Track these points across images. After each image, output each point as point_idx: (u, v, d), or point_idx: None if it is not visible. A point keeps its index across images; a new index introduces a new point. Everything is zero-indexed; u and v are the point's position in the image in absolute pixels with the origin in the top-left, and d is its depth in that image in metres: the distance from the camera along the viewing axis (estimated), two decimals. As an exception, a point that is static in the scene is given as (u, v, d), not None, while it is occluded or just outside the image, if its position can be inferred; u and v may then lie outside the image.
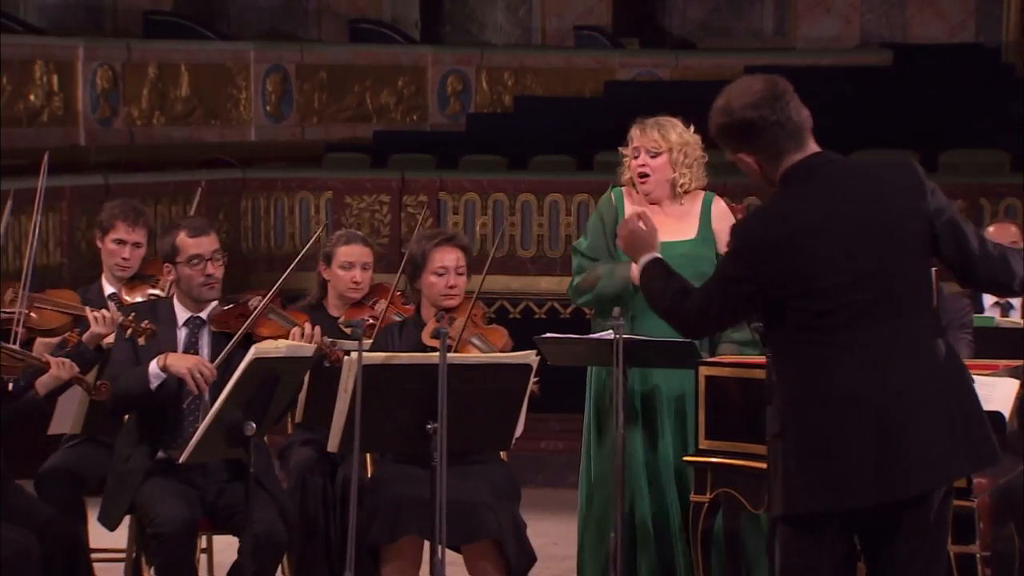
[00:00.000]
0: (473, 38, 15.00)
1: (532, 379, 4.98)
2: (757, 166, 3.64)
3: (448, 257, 5.19)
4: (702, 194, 5.36)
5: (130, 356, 5.04)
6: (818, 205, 3.59)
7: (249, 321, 5.06)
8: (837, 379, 3.55)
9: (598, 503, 5.26)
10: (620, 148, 5.36)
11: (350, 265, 5.63)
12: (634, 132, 5.31)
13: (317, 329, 5.18)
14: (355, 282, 5.63)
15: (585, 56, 14.16)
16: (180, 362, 4.94)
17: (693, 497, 5.00)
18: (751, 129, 3.59)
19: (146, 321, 4.97)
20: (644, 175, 5.27)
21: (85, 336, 5.03)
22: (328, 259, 5.66)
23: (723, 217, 5.32)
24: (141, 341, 4.98)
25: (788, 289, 3.58)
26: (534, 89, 13.75)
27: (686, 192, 5.31)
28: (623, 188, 5.37)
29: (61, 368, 4.70)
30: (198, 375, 4.91)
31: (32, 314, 5.01)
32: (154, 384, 4.97)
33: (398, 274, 5.60)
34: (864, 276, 3.56)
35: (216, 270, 5.12)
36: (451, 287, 5.18)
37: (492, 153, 11.84)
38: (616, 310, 5.01)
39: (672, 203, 5.31)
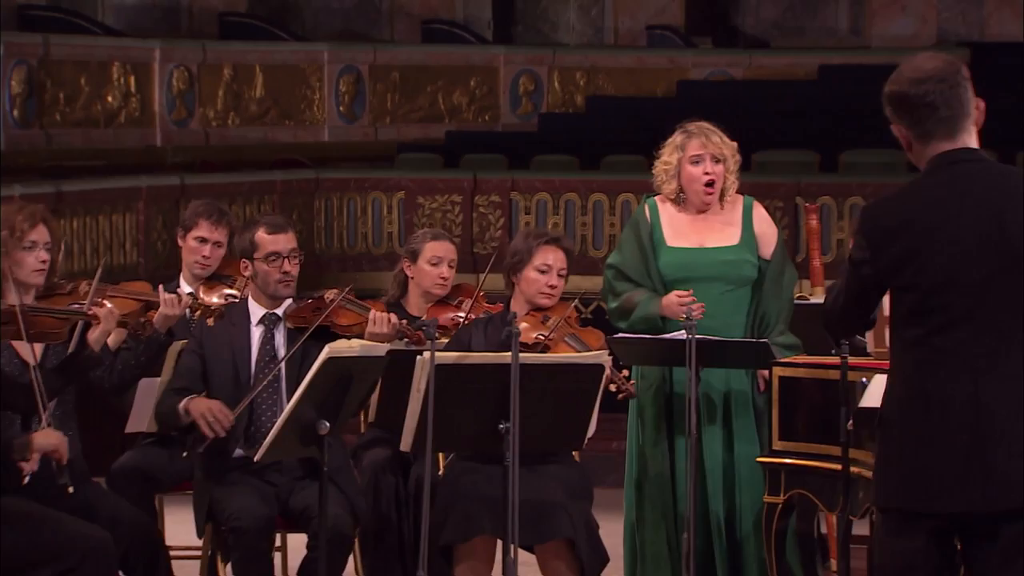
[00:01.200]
0: (545, 38, 15.01)
1: (629, 381, 4.99)
2: (907, 143, 3.62)
3: (552, 256, 5.20)
4: (741, 199, 5.34)
5: (195, 367, 5.11)
6: (944, 201, 3.55)
7: (325, 314, 5.09)
8: (932, 384, 3.52)
9: (650, 504, 5.25)
10: (664, 158, 5.29)
11: (439, 260, 5.64)
12: (691, 141, 5.24)
13: (393, 315, 5.21)
14: (442, 278, 5.64)
15: (657, 56, 14.13)
16: (195, 407, 5.02)
17: (766, 498, 4.98)
18: (904, 103, 3.58)
19: (216, 305, 5.02)
20: (712, 183, 5.25)
21: (155, 320, 5.09)
22: (414, 255, 5.66)
23: (764, 221, 5.34)
24: (210, 322, 5.03)
25: (897, 279, 3.57)
26: (606, 89, 13.74)
27: (729, 196, 5.30)
28: (657, 198, 5.33)
29: (107, 319, 4.75)
30: (211, 419, 4.97)
31: (107, 303, 5.07)
32: (185, 421, 5.06)
33: (485, 273, 5.60)
34: (972, 283, 3.51)
35: (292, 268, 5.17)
36: (551, 286, 5.19)
37: (564, 153, 11.84)
38: (684, 310, 5.00)
39: (715, 209, 5.29)
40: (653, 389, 5.27)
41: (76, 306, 4.87)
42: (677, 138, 5.28)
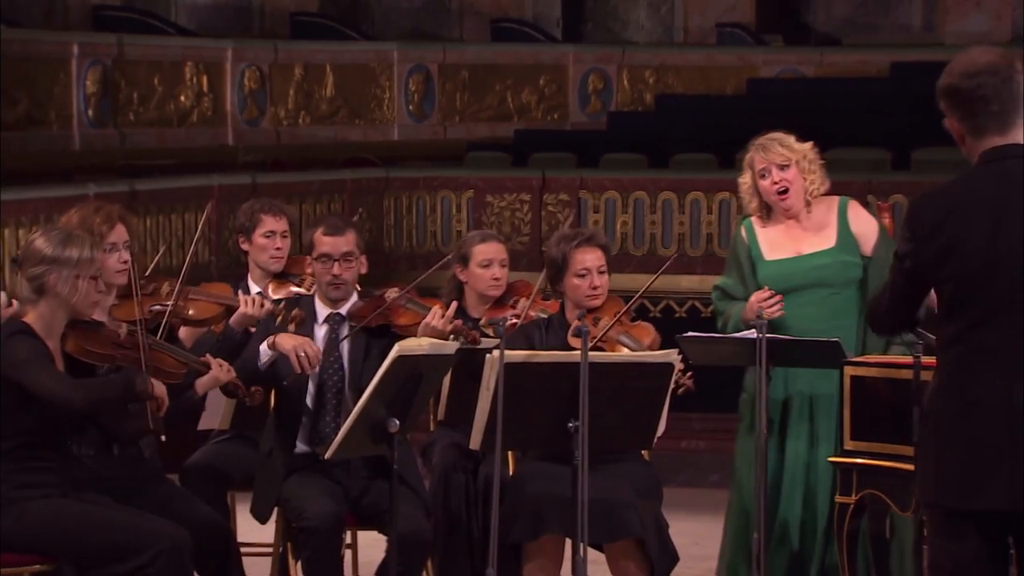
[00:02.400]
0: (615, 36, 14.98)
1: (686, 375, 4.97)
2: (960, 137, 3.59)
3: (588, 258, 5.19)
4: (836, 200, 5.33)
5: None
6: (986, 197, 3.52)
7: (381, 309, 5.10)
8: (968, 382, 3.52)
9: (747, 501, 5.25)
10: (742, 178, 5.32)
11: (489, 263, 5.65)
12: (754, 155, 5.26)
13: (453, 305, 5.21)
14: (495, 279, 5.65)
15: (727, 53, 14.06)
16: (286, 341, 5.01)
17: (838, 498, 4.96)
18: (956, 97, 3.55)
19: (296, 309, 5.05)
20: (784, 190, 5.24)
21: (233, 319, 5.11)
22: (465, 260, 5.66)
23: (861, 219, 5.32)
24: (291, 328, 5.05)
25: (936, 273, 3.55)
26: (676, 87, 13.69)
27: (815, 197, 5.28)
28: (752, 218, 5.34)
29: (220, 371, 4.81)
30: (302, 354, 4.97)
31: (188, 308, 5.11)
32: (263, 361, 5.04)
33: (542, 275, 5.60)
34: (1008, 283, 3.48)
35: (343, 271, 5.15)
36: (594, 288, 5.18)
37: (633, 151, 11.81)
38: (757, 309, 4.99)
39: (807, 214, 5.28)
40: (752, 399, 5.26)
41: (157, 307, 4.89)
42: (747, 155, 5.32)
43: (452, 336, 5.12)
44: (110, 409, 4.61)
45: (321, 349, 5.12)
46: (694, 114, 12.66)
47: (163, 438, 4.70)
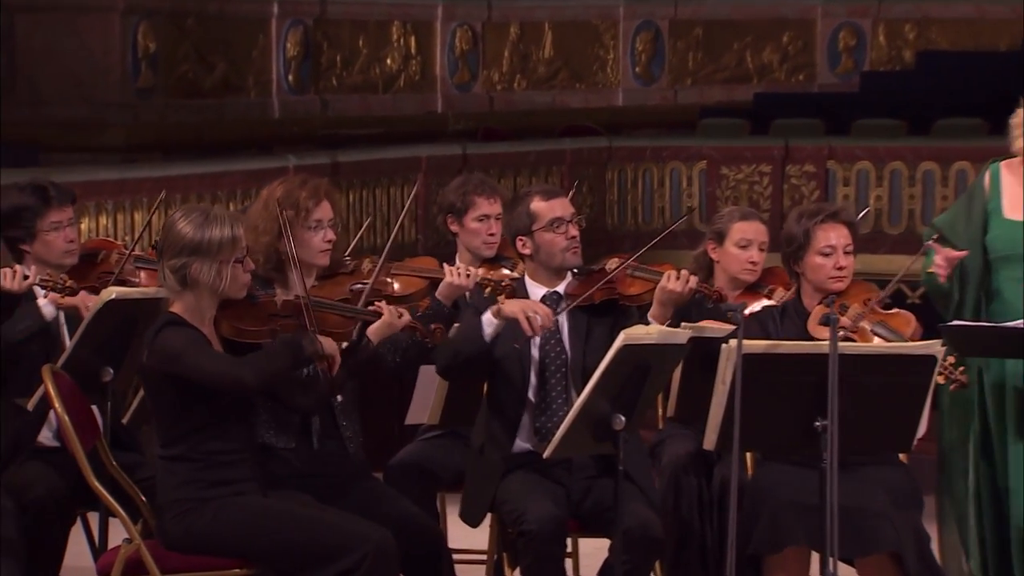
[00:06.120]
0: (869, -14, 14.78)
1: (958, 368, 4.90)
2: None
3: (834, 235, 5.15)
4: None
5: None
6: None
7: (605, 280, 5.11)
8: None
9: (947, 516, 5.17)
10: (1011, 118, 5.20)
11: (748, 243, 5.63)
12: None
13: (686, 274, 5.19)
14: (751, 263, 5.62)
15: (1001, 4, 13.76)
16: (512, 305, 5.07)
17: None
18: None
19: (507, 279, 5.11)
20: None
21: (439, 290, 5.18)
22: (720, 237, 5.66)
23: None
24: (501, 299, 5.11)
25: None
26: (939, 43, 13.46)
27: None
28: (1003, 164, 5.21)
29: (393, 315, 4.87)
30: (532, 315, 5.02)
31: (393, 284, 5.20)
32: (488, 332, 5.08)
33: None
34: None
35: (577, 232, 5.22)
36: (840, 268, 5.14)
37: (889, 116, 11.67)
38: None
39: None
40: (993, 380, 5.17)
41: (359, 286, 5.00)
42: None
43: (696, 295, 5.11)
44: (282, 381, 4.70)
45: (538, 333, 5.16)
46: (961, 73, 12.44)
47: (339, 398, 4.79)
